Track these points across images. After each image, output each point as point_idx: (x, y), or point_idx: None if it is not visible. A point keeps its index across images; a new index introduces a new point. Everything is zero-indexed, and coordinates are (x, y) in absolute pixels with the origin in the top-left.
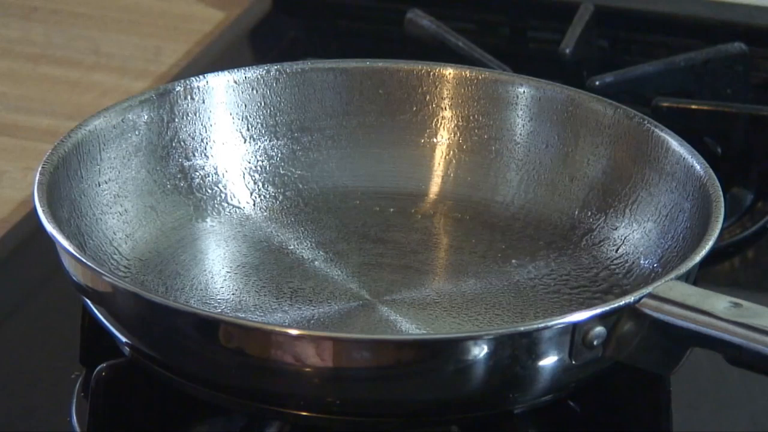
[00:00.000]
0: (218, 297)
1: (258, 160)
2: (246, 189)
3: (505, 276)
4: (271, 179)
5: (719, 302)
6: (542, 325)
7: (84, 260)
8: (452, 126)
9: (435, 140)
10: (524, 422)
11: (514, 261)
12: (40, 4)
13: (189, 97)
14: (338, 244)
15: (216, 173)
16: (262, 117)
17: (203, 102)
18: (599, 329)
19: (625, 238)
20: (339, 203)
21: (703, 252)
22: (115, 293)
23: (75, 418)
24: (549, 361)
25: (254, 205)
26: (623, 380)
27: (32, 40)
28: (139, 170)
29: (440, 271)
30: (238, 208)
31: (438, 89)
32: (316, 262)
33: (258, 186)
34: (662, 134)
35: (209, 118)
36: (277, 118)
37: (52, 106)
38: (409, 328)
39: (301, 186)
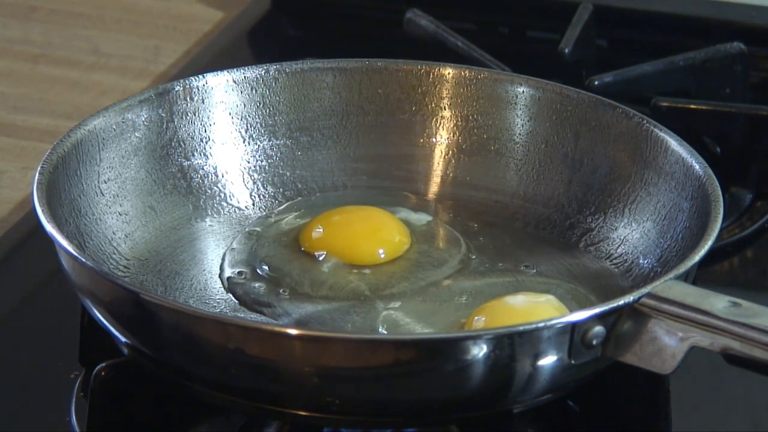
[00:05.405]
0: (218, 297)
1: (257, 160)
2: (245, 189)
3: (505, 275)
4: (270, 179)
5: (718, 302)
6: (542, 324)
7: (83, 260)
8: (451, 126)
9: (434, 140)
10: (523, 422)
11: (514, 260)
12: (40, 4)
13: (188, 96)
14: None
15: (215, 173)
16: (261, 117)
17: (202, 102)
18: (598, 329)
19: (624, 237)
20: (338, 203)
21: (702, 251)
22: (115, 293)
23: (74, 417)
24: (548, 360)
25: (253, 204)
26: (623, 380)
27: (32, 39)
28: (139, 170)
29: (440, 270)
30: (238, 207)
31: (437, 89)
32: (316, 261)
33: (257, 186)
34: (661, 134)
35: (208, 117)
36: (276, 118)
37: (52, 106)
38: (408, 325)
39: (300, 186)
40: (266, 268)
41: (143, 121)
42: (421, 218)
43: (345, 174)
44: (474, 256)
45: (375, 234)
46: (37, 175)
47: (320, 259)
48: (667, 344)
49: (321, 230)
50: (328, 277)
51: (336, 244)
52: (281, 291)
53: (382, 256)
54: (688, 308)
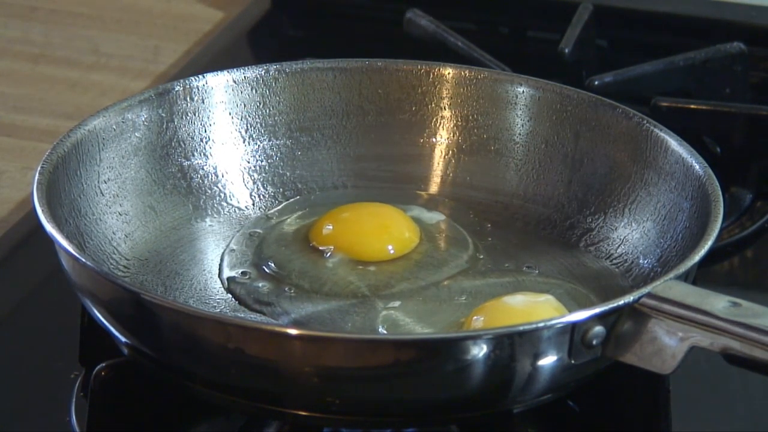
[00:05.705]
0: (218, 297)
1: (257, 160)
2: (245, 189)
3: (505, 275)
4: (270, 179)
5: (718, 302)
6: (542, 324)
7: (83, 260)
8: (451, 126)
9: (434, 140)
10: (524, 422)
11: (513, 260)
12: (40, 4)
13: (188, 96)
14: None
15: (215, 173)
16: (261, 117)
17: (202, 102)
18: (598, 329)
19: (624, 237)
20: (338, 203)
21: (702, 251)
22: (115, 293)
23: (74, 417)
24: (548, 360)
25: (253, 204)
26: (623, 380)
27: (32, 39)
28: (139, 170)
29: (440, 269)
30: (238, 207)
31: (437, 89)
32: (315, 261)
33: (257, 186)
34: (661, 134)
35: (208, 117)
36: (276, 118)
37: (52, 106)
38: (408, 324)
39: (300, 186)
40: (272, 265)
41: (143, 121)
42: (433, 217)
43: (345, 174)
44: (482, 256)
45: (383, 230)
46: (37, 175)
47: (327, 255)
48: (667, 344)
49: (331, 226)
50: (331, 275)
51: (344, 239)
52: (286, 289)
53: (391, 252)
54: (688, 308)
